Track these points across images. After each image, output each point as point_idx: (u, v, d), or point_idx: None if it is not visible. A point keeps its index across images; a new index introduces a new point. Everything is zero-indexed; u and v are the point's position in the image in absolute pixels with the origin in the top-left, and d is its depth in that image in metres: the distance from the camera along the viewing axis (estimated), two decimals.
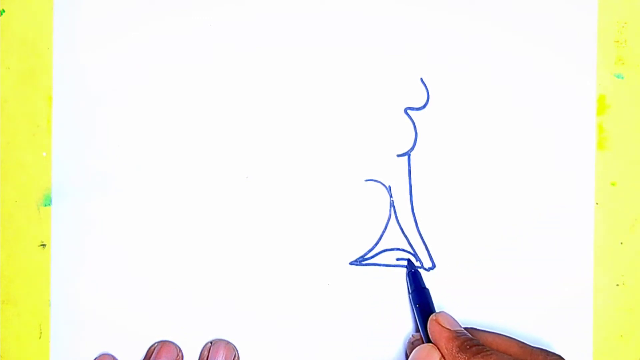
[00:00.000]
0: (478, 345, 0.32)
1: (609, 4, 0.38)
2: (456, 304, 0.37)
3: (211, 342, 0.37)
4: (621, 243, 0.38)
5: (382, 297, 0.37)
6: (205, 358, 0.36)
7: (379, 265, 0.37)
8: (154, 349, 0.37)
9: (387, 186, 0.38)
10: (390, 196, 0.38)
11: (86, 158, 0.38)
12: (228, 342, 0.37)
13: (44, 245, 0.38)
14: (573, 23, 0.38)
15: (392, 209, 0.37)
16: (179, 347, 0.37)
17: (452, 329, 0.33)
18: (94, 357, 0.37)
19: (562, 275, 0.37)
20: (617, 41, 0.38)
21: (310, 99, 0.38)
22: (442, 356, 0.32)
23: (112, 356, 0.37)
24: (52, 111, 0.38)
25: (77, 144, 0.38)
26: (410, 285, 0.37)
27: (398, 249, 0.37)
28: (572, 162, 0.38)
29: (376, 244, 0.38)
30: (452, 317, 0.34)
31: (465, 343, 0.32)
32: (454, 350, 0.32)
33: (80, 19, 0.38)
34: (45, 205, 0.38)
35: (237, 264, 0.37)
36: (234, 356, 0.37)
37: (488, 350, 0.31)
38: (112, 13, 0.38)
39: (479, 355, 0.31)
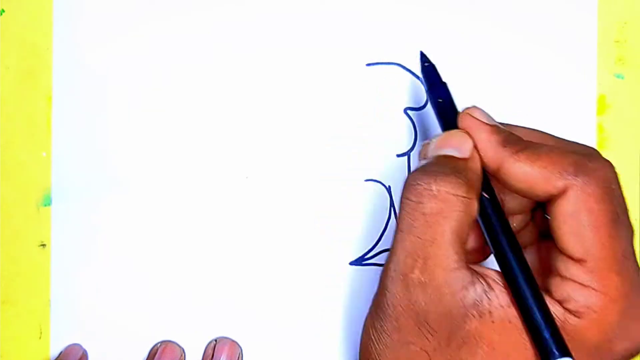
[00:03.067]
0: (523, 140, 0.28)
1: (609, 3, 0.38)
2: None
3: (216, 340, 0.37)
4: None
5: None
6: (210, 356, 0.36)
7: (379, 265, 0.37)
8: (157, 350, 0.37)
9: (387, 186, 0.38)
10: (390, 196, 0.38)
11: (86, 158, 0.38)
12: (233, 341, 0.37)
13: (43, 245, 0.38)
14: (573, 23, 0.38)
15: (392, 208, 0.37)
16: (182, 348, 0.37)
17: (491, 123, 0.29)
18: (62, 349, 0.37)
19: None
20: (617, 41, 0.38)
21: (310, 99, 0.38)
22: (475, 148, 0.29)
23: (80, 346, 0.37)
24: (52, 111, 0.38)
25: (77, 144, 0.38)
26: (426, 82, 0.33)
27: None
28: None
29: (376, 244, 0.38)
30: (485, 111, 0.30)
31: (512, 137, 0.28)
32: (497, 145, 0.28)
33: (80, 18, 0.38)
34: (45, 205, 0.38)
35: (238, 263, 0.37)
36: (239, 355, 0.37)
37: (538, 147, 0.28)
38: (112, 13, 0.38)
39: (529, 150, 0.27)
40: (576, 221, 0.26)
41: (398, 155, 0.38)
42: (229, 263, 0.37)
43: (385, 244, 0.37)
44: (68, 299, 0.37)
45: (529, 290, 0.26)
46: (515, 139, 0.28)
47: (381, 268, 0.37)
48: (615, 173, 0.28)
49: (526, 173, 0.27)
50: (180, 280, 0.37)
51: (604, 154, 0.37)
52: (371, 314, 0.29)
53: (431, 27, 0.38)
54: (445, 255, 0.26)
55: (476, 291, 0.26)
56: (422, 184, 0.27)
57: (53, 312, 0.38)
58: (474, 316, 0.26)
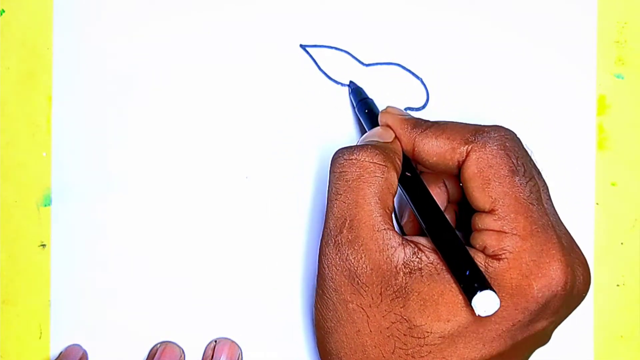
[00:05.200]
0: (431, 121, 0.32)
1: (609, 4, 0.38)
2: None
3: (215, 341, 0.37)
4: (621, 243, 0.38)
5: None
6: (210, 357, 0.37)
7: None
8: (157, 350, 0.37)
9: None
10: None
11: (86, 158, 0.38)
12: (232, 341, 0.37)
13: (44, 245, 0.38)
14: (573, 23, 0.38)
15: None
16: (182, 348, 0.37)
17: (404, 114, 0.33)
18: (62, 349, 0.37)
19: None
20: (617, 41, 0.38)
21: (310, 99, 0.38)
22: (396, 137, 0.33)
23: (80, 346, 0.37)
24: (52, 111, 0.38)
25: (77, 144, 0.38)
26: (355, 99, 0.37)
27: None
28: (572, 162, 0.38)
29: None
30: (400, 108, 0.34)
31: (420, 120, 0.32)
32: (409, 128, 0.32)
33: (80, 19, 0.38)
34: (45, 206, 0.38)
35: (238, 263, 0.37)
36: (238, 356, 0.37)
37: (443, 124, 0.32)
38: (112, 13, 0.38)
39: (434, 127, 0.31)
40: (480, 177, 0.29)
41: None
42: (229, 263, 0.37)
43: None
44: (68, 299, 0.38)
45: (451, 242, 0.29)
46: (423, 122, 0.32)
47: None
48: (510, 133, 0.31)
49: (434, 146, 0.31)
50: (180, 280, 0.37)
51: (604, 154, 0.38)
52: (317, 282, 0.31)
53: (431, 27, 0.38)
54: (369, 215, 0.29)
55: (406, 252, 0.29)
56: (344, 155, 0.31)
57: (53, 312, 0.38)
58: (404, 273, 0.29)
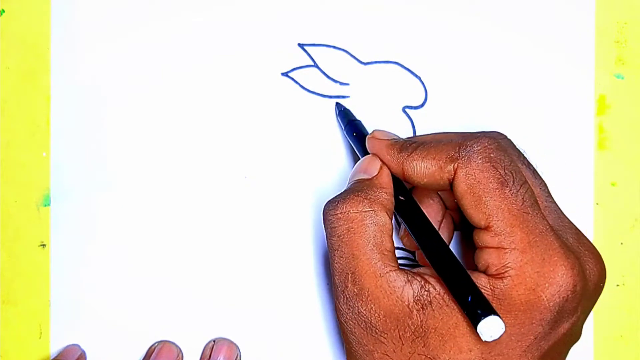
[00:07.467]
0: (417, 142, 0.31)
1: (609, 4, 0.38)
2: None
3: (214, 341, 0.37)
4: (621, 243, 0.38)
5: None
6: (208, 357, 0.37)
7: None
8: (154, 349, 0.37)
9: None
10: None
11: (85, 158, 0.38)
12: (231, 342, 0.37)
13: (43, 245, 0.38)
14: (571, 23, 0.38)
15: None
16: (180, 348, 0.37)
17: (390, 138, 0.33)
18: (60, 349, 0.37)
19: None
20: (617, 41, 0.38)
21: (309, 99, 0.38)
22: (384, 164, 0.32)
23: (78, 346, 0.37)
24: (51, 111, 0.38)
25: (77, 144, 0.38)
26: (343, 122, 0.36)
27: (397, 248, 0.37)
28: (571, 162, 0.38)
29: None
30: (387, 131, 0.34)
31: (406, 143, 0.32)
32: (395, 153, 0.31)
33: (78, 18, 0.38)
34: (45, 206, 0.38)
35: (236, 263, 0.37)
36: (237, 356, 0.37)
37: (427, 143, 0.31)
38: (110, 13, 0.38)
39: (419, 148, 0.31)
40: (471, 195, 0.29)
41: None
42: (227, 263, 0.37)
43: None
44: (68, 299, 0.38)
45: (451, 268, 0.28)
46: (408, 144, 0.31)
47: None
48: (493, 142, 0.30)
49: (422, 168, 0.30)
50: (179, 280, 0.37)
51: (604, 154, 0.38)
52: (341, 334, 0.31)
53: (430, 25, 0.38)
54: (368, 264, 0.29)
55: (413, 288, 0.29)
56: (331, 210, 0.30)
57: (53, 312, 0.38)
58: (417, 310, 0.28)
